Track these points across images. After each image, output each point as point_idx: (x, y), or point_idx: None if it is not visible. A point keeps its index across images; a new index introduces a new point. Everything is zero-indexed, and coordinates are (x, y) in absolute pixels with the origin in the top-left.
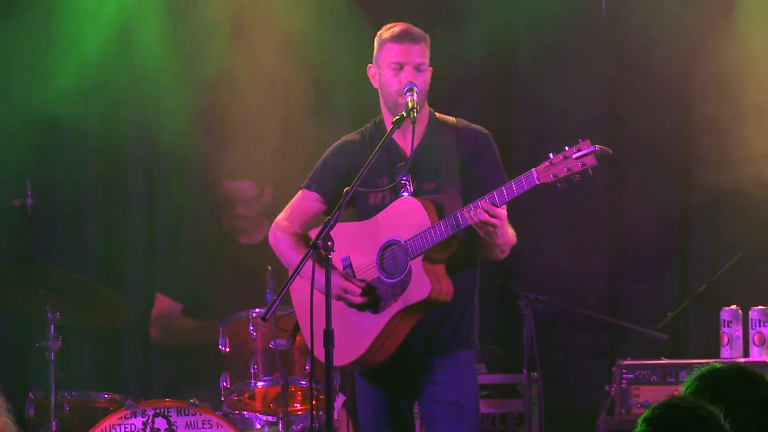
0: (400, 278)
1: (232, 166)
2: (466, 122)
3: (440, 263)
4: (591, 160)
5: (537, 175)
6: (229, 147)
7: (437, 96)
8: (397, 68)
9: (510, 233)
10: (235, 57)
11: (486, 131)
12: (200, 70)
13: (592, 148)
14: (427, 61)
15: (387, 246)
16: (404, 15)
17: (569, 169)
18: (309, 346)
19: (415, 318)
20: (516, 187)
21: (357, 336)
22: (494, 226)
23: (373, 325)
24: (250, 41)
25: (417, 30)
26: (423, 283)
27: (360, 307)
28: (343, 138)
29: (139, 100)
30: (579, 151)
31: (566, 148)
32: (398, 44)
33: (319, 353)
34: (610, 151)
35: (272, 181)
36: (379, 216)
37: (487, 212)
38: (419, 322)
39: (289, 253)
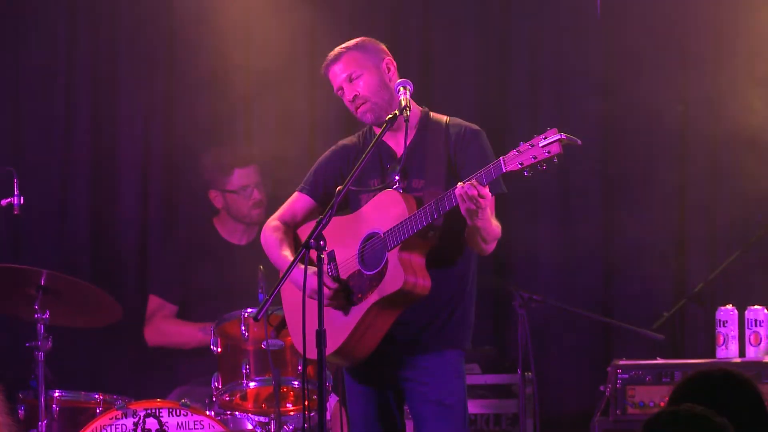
0: (377, 270)
1: (238, 154)
2: (459, 120)
3: (418, 256)
4: (556, 148)
5: (503, 163)
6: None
7: (432, 95)
8: (341, 93)
9: (495, 224)
10: (225, 53)
11: (476, 128)
12: (192, 68)
13: (558, 136)
14: (353, 69)
15: (368, 238)
16: (399, 16)
17: (535, 157)
18: (297, 345)
19: (395, 311)
20: (485, 175)
21: (336, 328)
22: (477, 204)
23: (351, 316)
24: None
25: (336, 50)
26: (397, 274)
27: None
28: (340, 142)
29: (130, 95)
30: (545, 139)
31: (534, 136)
32: (327, 74)
33: (309, 352)
34: (579, 141)
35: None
36: (362, 210)
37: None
38: (407, 319)
39: (274, 252)
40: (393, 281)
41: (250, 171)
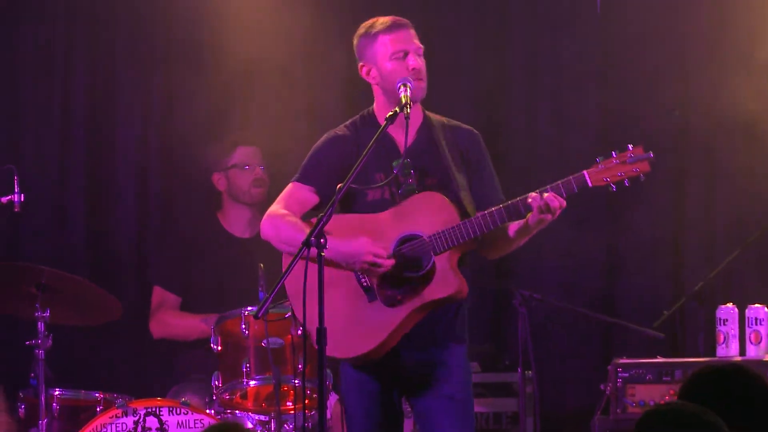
0: (421, 273)
1: (242, 133)
2: (456, 122)
3: (457, 258)
4: (645, 167)
5: (589, 178)
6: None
7: (430, 94)
8: (401, 56)
9: None
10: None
11: (476, 131)
12: (191, 65)
13: (646, 155)
14: (420, 44)
15: (405, 240)
16: (398, 15)
17: (623, 174)
18: (305, 340)
19: (425, 314)
20: (564, 187)
21: (369, 329)
22: (555, 215)
23: (388, 318)
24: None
25: (397, 18)
26: (449, 280)
27: (384, 288)
28: (333, 132)
29: (128, 92)
30: (633, 156)
31: (614, 153)
32: (394, 33)
33: (333, 350)
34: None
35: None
36: (394, 210)
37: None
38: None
39: (297, 235)
40: (443, 286)
41: (253, 150)
